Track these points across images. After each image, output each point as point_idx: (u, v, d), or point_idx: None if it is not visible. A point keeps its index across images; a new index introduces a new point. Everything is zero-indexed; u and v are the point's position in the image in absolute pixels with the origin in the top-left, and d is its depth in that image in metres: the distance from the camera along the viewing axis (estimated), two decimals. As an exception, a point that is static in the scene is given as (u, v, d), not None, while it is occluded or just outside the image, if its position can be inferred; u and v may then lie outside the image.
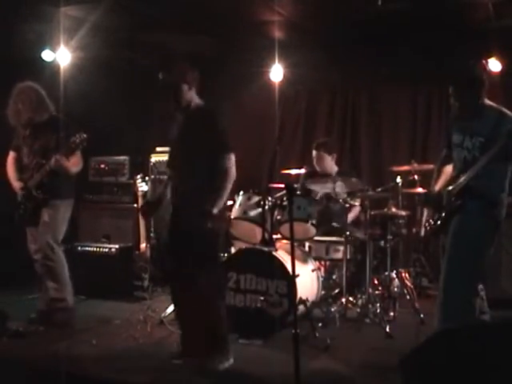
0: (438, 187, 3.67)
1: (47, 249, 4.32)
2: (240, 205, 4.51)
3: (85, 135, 4.21)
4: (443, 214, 3.52)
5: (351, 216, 5.14)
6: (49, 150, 4.26)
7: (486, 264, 3.47)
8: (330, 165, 5.36)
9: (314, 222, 4.55)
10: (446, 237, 3.51)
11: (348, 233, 4.65)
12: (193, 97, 3.67)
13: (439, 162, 3.78)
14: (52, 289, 4.35)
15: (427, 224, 3.68)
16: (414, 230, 5.30)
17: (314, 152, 5.36)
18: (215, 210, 3.43)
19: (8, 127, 4.43)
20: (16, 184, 4.41)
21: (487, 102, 3.50)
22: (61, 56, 5.65)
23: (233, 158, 3.56)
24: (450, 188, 3.50)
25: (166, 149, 6.24)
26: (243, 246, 4.66)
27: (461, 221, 3.45)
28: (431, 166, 5.02)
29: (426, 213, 3.75)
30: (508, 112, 3.38)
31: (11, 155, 4.50)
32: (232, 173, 3.55)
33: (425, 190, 4.82)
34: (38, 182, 4.29)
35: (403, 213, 5.04)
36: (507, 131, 3.20)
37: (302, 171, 5.40)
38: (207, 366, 3.49)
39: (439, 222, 3.56)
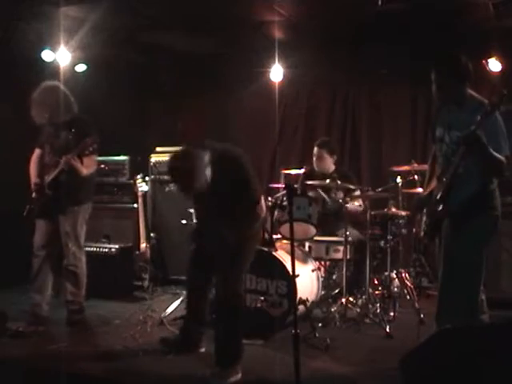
0: (429, 189, 3.62)
1: (71, 256, 4.38)
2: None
3: (95, 138, 4.22)
4: (433, 219, 3.48)
5: (350, 207, 5.11)
6: (68, 149, 4.26)
7: (485, 264, 3.44)
8: (329, 165, 5.37)
9: (314, 222, 4.56)
10: (441, 240, 3.49)
11: (348, 233, 4.65)
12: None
13: (430, 160, 3.70)
14: (70, 292, 4.40)
15: (422, 230, 3.64)
16: (413, 230, 5.29)
17: (316, 149, 5.35)
18: (232, 240, 3.46)
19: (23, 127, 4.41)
20: (34, 181, 4.42)
21: (470, 92, 3.39)
22: (61, 56, 5.65)
23: (262, 201, 3.60)
24: (435, 193, 3.45)
25: (166, 149, 6.31)
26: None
27: (450, 224, 3.40)
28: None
29: (419, 215, 3.72)
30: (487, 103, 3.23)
31: (36, 153, 4.51)
32: (261, 216, 3.61)
33: (417, 193, 4.78)
34: (51, 179, 4.27)
35: (403, 213, 5.05)
36: (463, 141, 3.11)
37: (302, 171, 5.40)
38: (215, 380, 3.44)
39: (431, 228, 3.52)
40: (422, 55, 5.78)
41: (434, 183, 3.59)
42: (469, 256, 3.34)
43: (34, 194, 4.38)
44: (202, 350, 3.90)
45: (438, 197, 3.38)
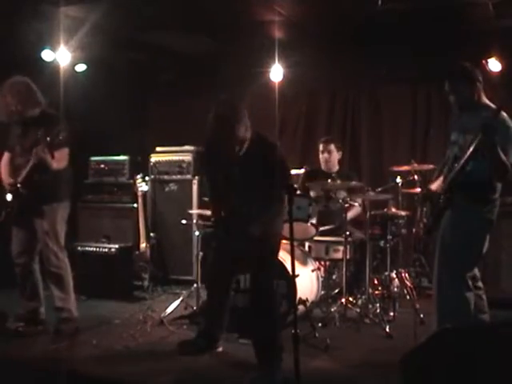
0: (434, 186, 3.69)
1: (52, 257, 4.19)
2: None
3: (64, 129, 4.07)
4: (435, 211, 3.55)
5: (350, 215, 5.14)
6: (38, 145, 4.06)
7: (485, 264, 3.49)
8: (336, 163, 5.40)
9: (313, 221, 4.56)
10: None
11: (348, 233, 4.65)
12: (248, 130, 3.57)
13: (442, 163, 3.78)
14: (57, 298, 4.22)
15: (422, 223, 3.70)
16: (413, 230, 5.29)
17: (323, 145, 5.37)
18: (257, 232, 3.47)
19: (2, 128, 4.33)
20: (7, 182, 4.24)
21: (485, 100, 3.52)
22: (61, 56, 5.65)
23: None
24: (441, 187, 3.53)
25: (166, 149, 6.32)
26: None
27: (449, 216, 3.48)
28: (431, 166, 5.04)
29: (420, 211, 3.77)
30: (504, 114, 3.33)
31: (6, 156, 4.34)
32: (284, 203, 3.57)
33: (422, 189, 4.84)
34: (24, 178, 4.10)
35: (403, 213, 5.05)
36: (482, 126, 3.17)
37: (302, 171, 5.40)
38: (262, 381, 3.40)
39: (431, 220, 3.58)
40: (422, 55, 5.80)
41: (437, 183, 3.65)
42: (457, 251, 3.42)
43: (9, 197, 4.19)
44: (220, 349, 3.89)
45: (443, 188, 3.45)
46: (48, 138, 4.00)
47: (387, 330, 4.26)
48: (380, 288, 5.00)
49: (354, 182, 4.93)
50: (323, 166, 5.40)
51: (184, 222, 5.42)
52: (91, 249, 5.61)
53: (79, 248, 5.63)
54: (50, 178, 4.14)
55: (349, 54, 6.11)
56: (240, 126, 3.45)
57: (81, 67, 6.13)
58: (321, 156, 5.41)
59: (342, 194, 5.13)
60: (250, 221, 3.52)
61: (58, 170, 4.14)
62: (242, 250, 3.56)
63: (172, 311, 4.66)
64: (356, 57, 6.13)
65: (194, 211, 5.45)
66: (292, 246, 2.94)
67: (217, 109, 3.48)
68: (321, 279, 4.71)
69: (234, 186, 3.62)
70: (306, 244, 4.97)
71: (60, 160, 4.15)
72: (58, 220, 4.24)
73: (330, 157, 5.36)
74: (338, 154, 5.43)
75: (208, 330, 3.91)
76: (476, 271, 3.59)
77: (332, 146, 5.37)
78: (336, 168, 5.42)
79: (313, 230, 4.63)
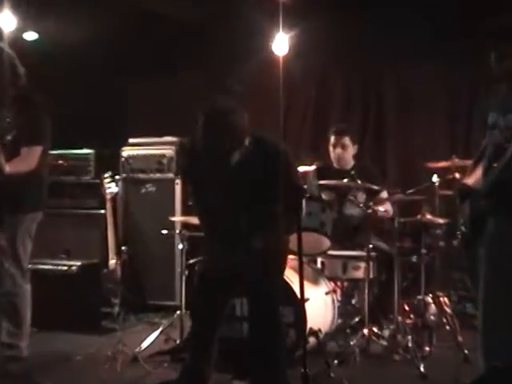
0: (471, 180, 3.65)
1: (7, 282, 4.14)
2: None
3: (40, 125, 4.09)
4: (475, 217, 3.52)
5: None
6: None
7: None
8: (350, 158, 5.44)
9: (327, 231, 4.55)
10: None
11: (371, 246, 4.63)
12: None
13: (478, 153, 3.76)
14: (6, 331, 4.16)
15: (459, 232, 3.68)
16: (454, 242, 5.27)
17: (334, 138, 5.40)
18: (259, 245, 3.50)
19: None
20: None
21: None
22: (4, 20, 5.57)
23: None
24: (480, 185, 3.50)
25: (141, 140, 6.30)
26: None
27: (494, 226, 3.43)
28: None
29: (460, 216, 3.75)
30: None
31: None
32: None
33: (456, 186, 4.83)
34: None
35: (441, 221, 5.02)
36: None
37: (313, 168, 5.38)
38: None
39: (470, 229, 3.55)
40: (466, 24, 5.77)
41: (475, 177, 3.62)
42: (509, 273, 3.36)
43: None
44: None
45: (485, 188, 3.40)
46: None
47: (421, 368, 4.25)
48: (412, 316, 5.01)
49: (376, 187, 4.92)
50: (335, 163, 5.45)
51: (164, 232, 5.40)
52: (46, 267, 5.60)
53: (30, 266, 5.57)
54: (13, 182, 4.04)
55: (371, 22, 6.10)
56: (236, 123, 3.60)
57: (31, 36, 6.07)
58: (332, 151, 5.45)
59: (362, 197, 5.12)
60: (252, 232, 3.55)
61: (11, 173, 4.01)
62: (239, 268, 3.55)
63: (149, 345, 4.67)
64: (380, 25, 6.12)
65: (177, 218, 5.44)
66: (301, 262, 2.93)
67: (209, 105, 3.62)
68: (337, 304, 4.72)
69: (226, 199, 3.63)
70: (319, 260, 4.98)
71: (23, 160, 4.09)
72: (20, 235, 4.19)
73: (345, 152, 5.41)
74: (354, 149, 5.47)
75: (194, 368, 3.89)
76: None
77: (347, 139, 5.40)
78: (351, 164, 5.44)
79: (326, 243, 4.62)
